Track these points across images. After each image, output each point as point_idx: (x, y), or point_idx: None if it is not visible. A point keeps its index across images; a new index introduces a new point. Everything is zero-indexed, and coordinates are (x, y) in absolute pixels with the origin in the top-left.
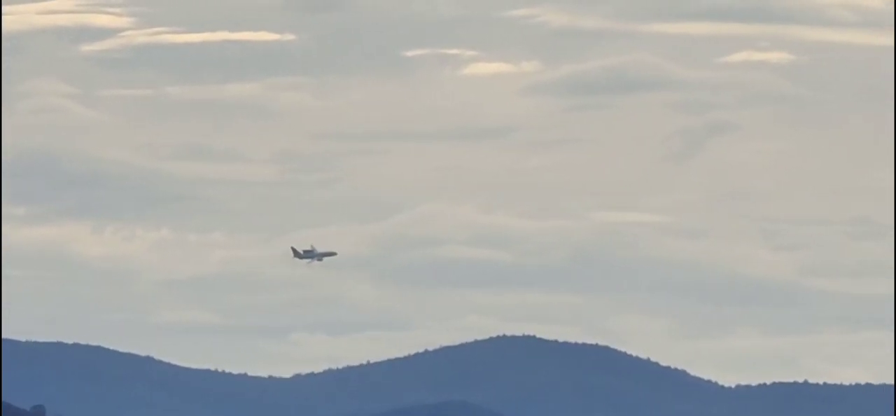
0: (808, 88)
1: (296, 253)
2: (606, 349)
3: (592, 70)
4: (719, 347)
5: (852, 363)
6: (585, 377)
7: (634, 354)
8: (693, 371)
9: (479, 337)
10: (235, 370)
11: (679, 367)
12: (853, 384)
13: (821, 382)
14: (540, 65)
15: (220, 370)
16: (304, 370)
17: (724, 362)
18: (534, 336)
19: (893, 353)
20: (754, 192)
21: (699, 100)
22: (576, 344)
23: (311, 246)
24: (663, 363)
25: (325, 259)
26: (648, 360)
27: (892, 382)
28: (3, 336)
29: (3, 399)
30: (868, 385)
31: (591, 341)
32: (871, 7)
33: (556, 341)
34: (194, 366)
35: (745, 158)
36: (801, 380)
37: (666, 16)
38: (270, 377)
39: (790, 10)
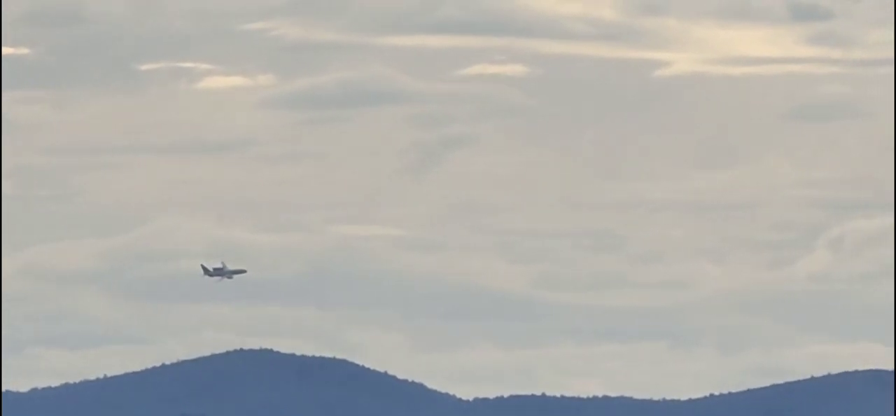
0: (544, 100)
1: (205, 271)
2: (344, 362)
3: (328, 83)
4: (457, 360)
5: (589, 376)
6: (323, 391)
7: (372, 367)
8: (431, 384)
9: (216, 351)
10: None
11: (417, 380)
12: (590, 396)
13: (558, 394)
14: (275, 78)
15: None
16: (42, 384)
17: (461, 375)
18: (271, 350)
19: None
20: (491, 205)
21: (435, 113)
22: (314, 357)
23: (222, 263)
24: (401, 377)
25: (235, 276)
26: (386, 373)
27: (628, 394)
28: None
29: None
30: (605, 398)
31: (328, 354)
32: (605, 19)
33: (293, 355)
34: None
35: (482, 170)
36: (538, 393)
37: (401, 29)
38: (7, 392)
39: (525, 23)
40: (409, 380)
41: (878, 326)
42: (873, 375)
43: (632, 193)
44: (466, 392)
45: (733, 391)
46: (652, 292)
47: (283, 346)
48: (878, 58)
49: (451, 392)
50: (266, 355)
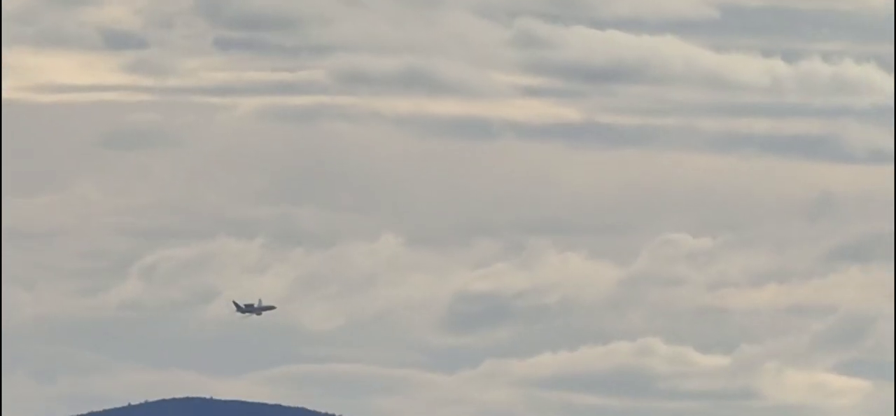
0: None
1: (238, 307)
2: None
3: None
4: None
5: None
6: None
7: None
8: None
9: None
10: None
11: None
12: None
13: None
14: None
15: None
16: None
17: None
18: None
19: None
20: None
21: None
22: None
23: (259, 300)
24: None
25: (264, 313)
26: None
27: None
28: None
29: None
30: None
31: None
32: None
33: None
34: None
35: None
36: None
37: None
38: None
39: None
40: None
41: (189, 354)
42: (187, 403)
43: None
44: None
45: None
46: None
47: None
48: (189, 86)
49: None
50: None
